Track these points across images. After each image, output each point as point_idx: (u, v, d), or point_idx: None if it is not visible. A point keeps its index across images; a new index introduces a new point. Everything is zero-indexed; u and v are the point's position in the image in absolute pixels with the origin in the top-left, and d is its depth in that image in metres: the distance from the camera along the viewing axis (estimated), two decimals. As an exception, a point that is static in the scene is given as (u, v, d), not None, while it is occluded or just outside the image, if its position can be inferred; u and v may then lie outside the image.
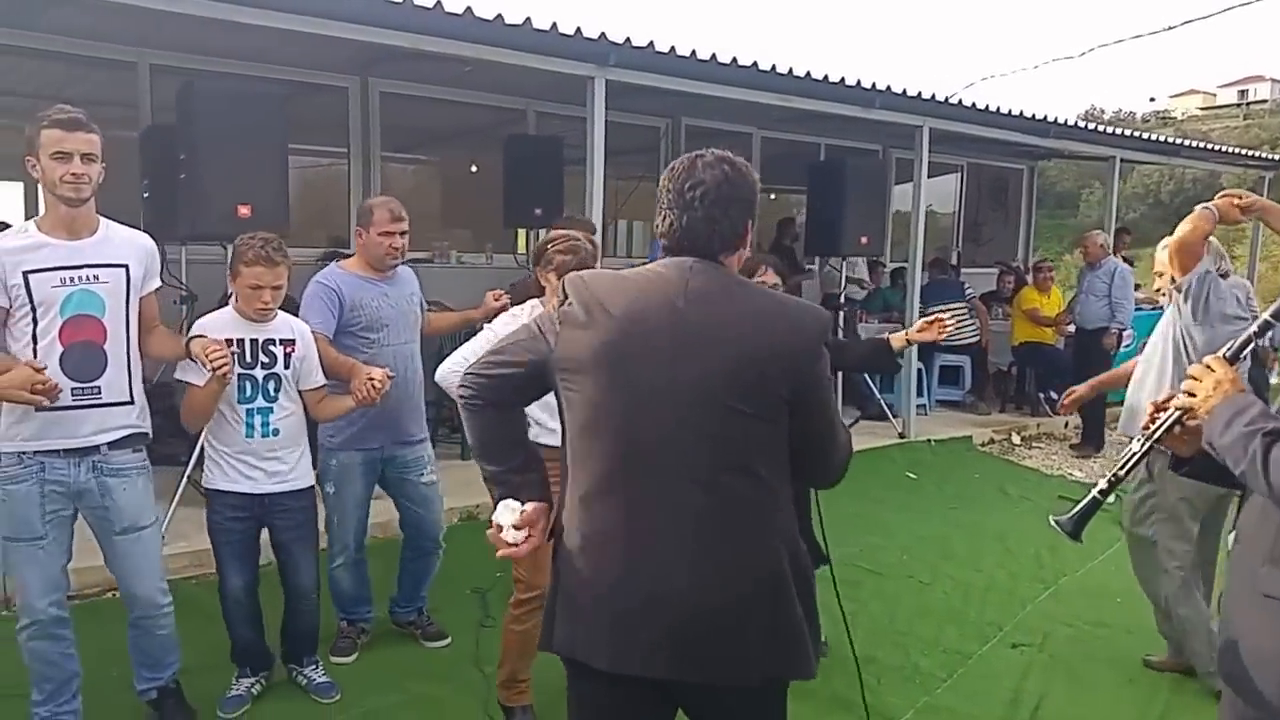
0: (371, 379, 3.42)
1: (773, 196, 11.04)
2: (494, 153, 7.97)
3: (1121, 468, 2.27)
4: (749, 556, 1.93)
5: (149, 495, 3.19)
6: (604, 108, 6.01)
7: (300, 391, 3.50)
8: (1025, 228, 12.97)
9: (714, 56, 6.25)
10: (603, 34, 5.75)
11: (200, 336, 3.25)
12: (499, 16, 5.31)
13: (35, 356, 2.94)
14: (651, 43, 5.97)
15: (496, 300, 3.99)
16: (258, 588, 3.57)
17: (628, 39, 5.86)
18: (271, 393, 3.39)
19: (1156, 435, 2.15)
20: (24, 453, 3.00)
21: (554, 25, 5.54)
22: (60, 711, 3.18)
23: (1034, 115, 8.40)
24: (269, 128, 5.08)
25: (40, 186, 3.02)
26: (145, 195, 6.27)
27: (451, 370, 3.40)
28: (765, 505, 1.95)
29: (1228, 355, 2.05)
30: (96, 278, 3.03)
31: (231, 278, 3.38)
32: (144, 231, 3.35)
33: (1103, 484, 2.29)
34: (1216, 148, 11.49)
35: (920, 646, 4.34)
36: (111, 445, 3.08)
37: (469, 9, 5.19)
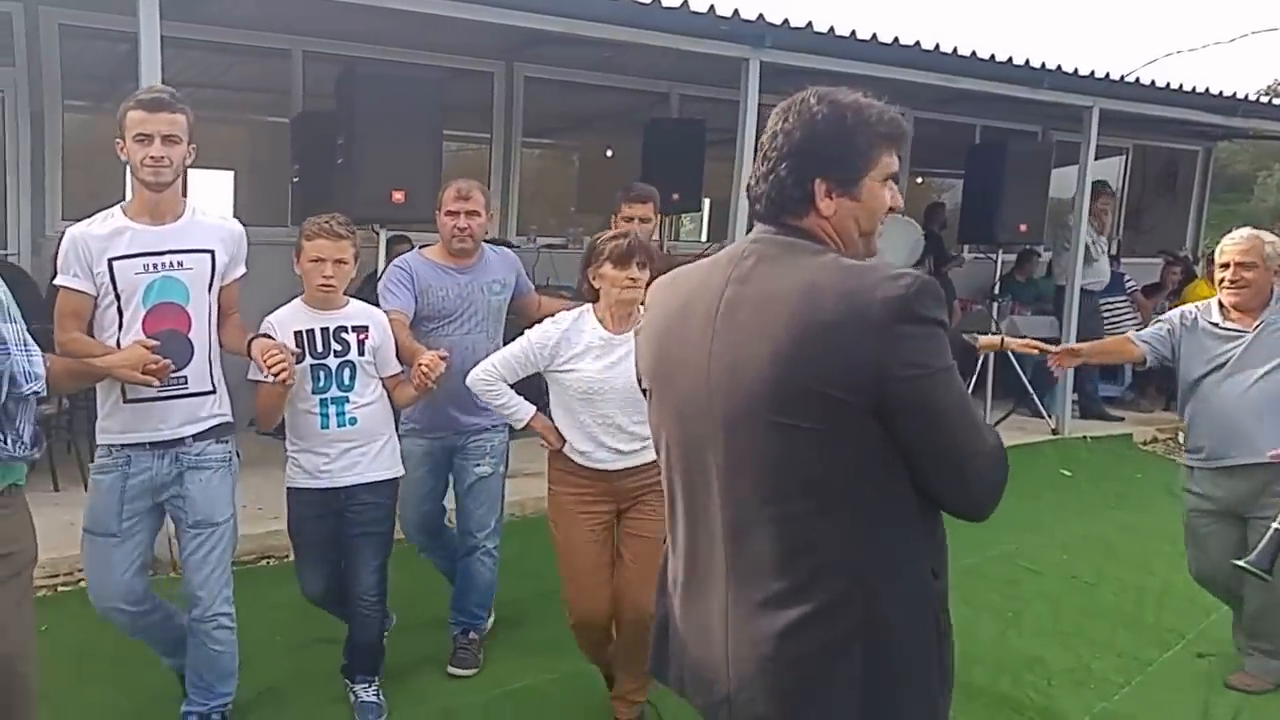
0: (421, 363, 3.22)
1: (919, 181, 10.69)
2: (632, 137, 7.93)
3: None
4: (824, 605, 1.52)
5: (227, 490, 3.05)
6: (758, 90, 5.88)
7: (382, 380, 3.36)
8: (1196, 214, 12.13)
9: (874, 36, 6.04)
10: (760, 15, 5.63)
11: (261, 337, 3.08)
12: (655, 0, 5.23)
13: (120, 347, 2.85)
14: (810, 23, 5.80)
15: None
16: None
17: (785, 20, 5.72)
18: (346, 381, 3.25)
19: None
20: (112, 446, 2.94)
21: (711, 7, 5.43)
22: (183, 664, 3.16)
23: (1220, 92, 7.81)
24: (425, 113, 5.13)
25: (129, 170, 2.92)
26: (295, 180, 6.48)
27: (480, 378, 3.23)
28: (845, 539, 1.51)
29: None
30: (180, 264, 2.91)
31: (297, 260, 3.25)
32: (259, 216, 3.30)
33: None
34: None
35: (1091, 649, 4.10)
36: (196, 437, 2.98)
37: (625, -8, 5.14)
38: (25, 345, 2.22)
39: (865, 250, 1.64)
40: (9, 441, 2.21)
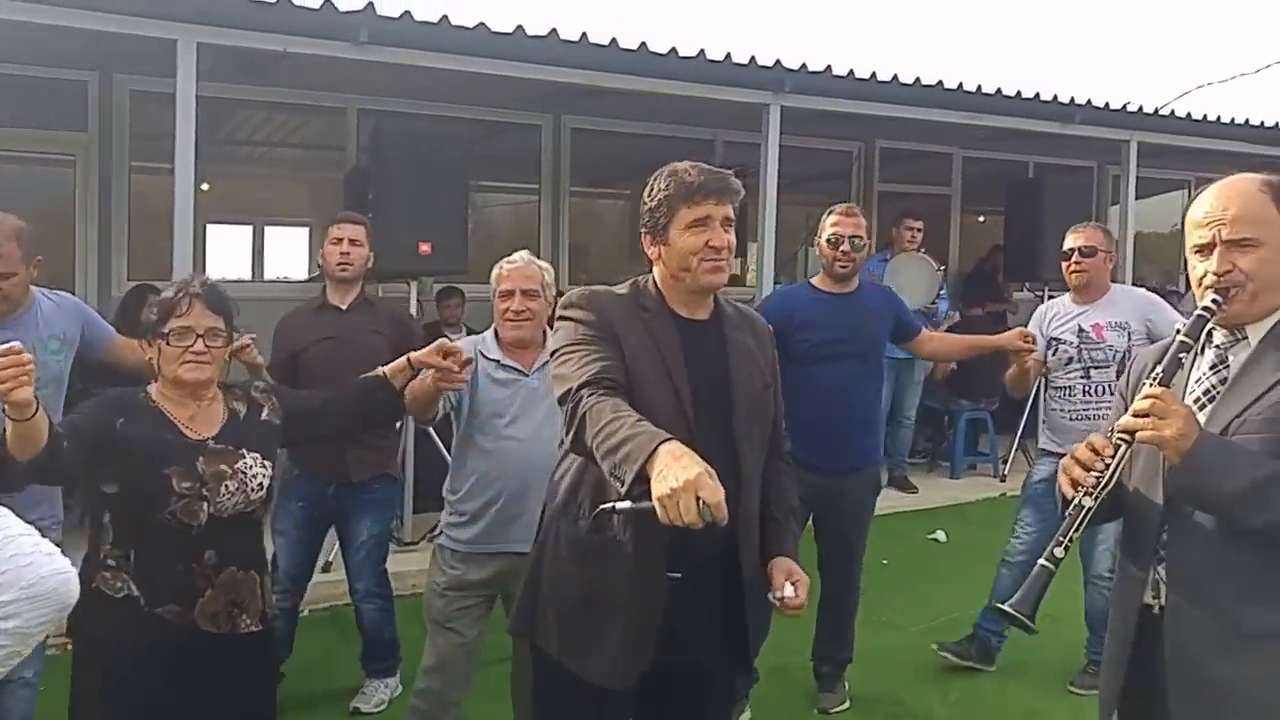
0: None
1: (981, 219, 10.60)
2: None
3: (1074, 527, 1.82)
4: None
5: None
6: (778, 135, 5.98)
7: None
8: (1273, 248, 11.69)
9: (895, 77, 6.10)
10: (777, 61, 5.74)
11: None
12: (673, 50, 5.40)
13: None
14: (829, 67, 5.89)
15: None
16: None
17: (803, 65, 5.82)
18: None
19: (1109, 481, 1.82)
20: None
21: (728, 55, 5.58)
22: None
23: (1261, 123, 7.66)
24: (452, 167, 5.32)
25: None
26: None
27: None
28: None
29: (1163, 381, 1.82)
30: None
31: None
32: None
33: (1057, 551, 1.82)
34: None
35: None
36: None
37: (643, 44, 5.31)
38: None
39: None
40: None
